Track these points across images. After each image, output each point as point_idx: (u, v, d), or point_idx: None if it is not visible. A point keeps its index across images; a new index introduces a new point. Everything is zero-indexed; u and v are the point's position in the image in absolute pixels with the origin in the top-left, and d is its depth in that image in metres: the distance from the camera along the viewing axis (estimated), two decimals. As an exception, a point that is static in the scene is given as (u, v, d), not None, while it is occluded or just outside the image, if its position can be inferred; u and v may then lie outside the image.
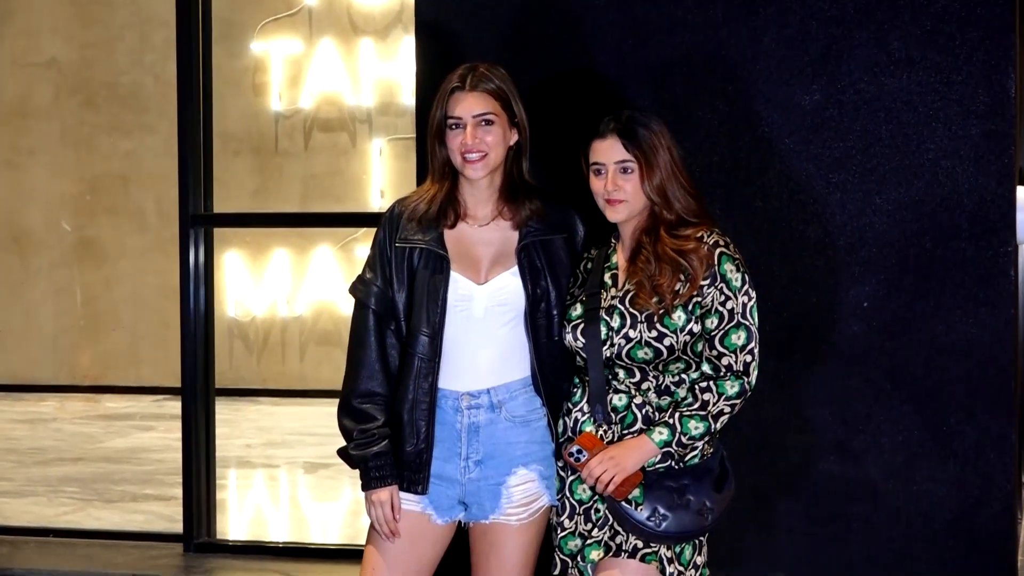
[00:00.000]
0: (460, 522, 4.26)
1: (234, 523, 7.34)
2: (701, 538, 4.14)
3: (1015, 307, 5.14)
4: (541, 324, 4.18)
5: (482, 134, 4.13)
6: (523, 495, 4.20)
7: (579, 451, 4.02)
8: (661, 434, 4.00)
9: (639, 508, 4.03)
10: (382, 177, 11.98)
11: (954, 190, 5.03)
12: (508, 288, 4.17)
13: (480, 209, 4.23)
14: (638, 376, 4.06)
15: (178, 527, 6.25)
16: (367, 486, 4.17)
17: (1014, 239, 5.06)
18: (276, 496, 8.37)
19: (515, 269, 4.18)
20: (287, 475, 8.74)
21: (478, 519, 4.23)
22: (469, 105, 4.14)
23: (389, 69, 11.87)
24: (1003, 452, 5.09)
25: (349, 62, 12.14)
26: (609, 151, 4.09)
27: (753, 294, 4.05)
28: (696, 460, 4.09)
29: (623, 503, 4.03)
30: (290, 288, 12.21)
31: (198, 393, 6.20)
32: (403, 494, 4.18)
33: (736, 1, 5.14)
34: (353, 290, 4.28)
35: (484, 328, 4.17)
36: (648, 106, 5.09)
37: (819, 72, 5.10)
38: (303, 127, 12.41)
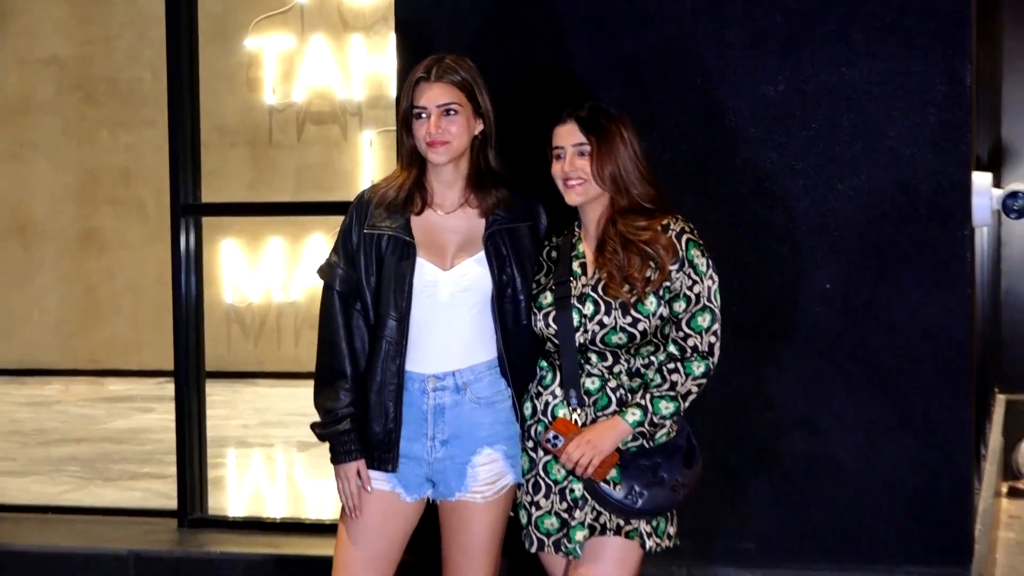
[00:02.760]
0: (429, 499, 4.26)
1: (231, 499, 7.35)
2: (671, 511, 4.16)
3: (971, 288, 5.15)
4: (508, 309, 4.17)
5: (445, 123, 4.12)
6: (488, 474, 4.20)
7: (555, 436, 4.02)
8: (634, 415, 4.01)
9: (617, 488, 4.03)
10: (372, 167, 11.97)
11: (913, 176, 5.02)
12: (472, 274, 4.16)
13: (447, 196, 4.22)
14: (610, 360, 4.06)
15: (174, 504, 6.24)
16: (334, 460, 4.18)
17: (970, 223, 5.06)
18: (272, 474, 8.37)
19: (481, 256, 4.17)
20: (282, 454, 8.75)
21: (445, 497, 4.22)
22: (434, 95, 4.13)
23: (378, 64, 11.86)
24: (961, 428, 5.10)
25: (340, 57, 12.13)
26: (568, 135, 4.10)
27: (716, 278, 4.06)
28: (664, 438, 4.09)
29: (602, 484, 4.03)
30: (284, 275, 12.21)
31: (190, 375, 6.17)
32: (373, 472, 4.17)
33: (703, -4, 5.14)
34: (320, 272, 4.28)
35: (450, 313, 4.16)
36: (619, 98, 5.08)
37: (783, 64, 5.09)
38: (296, 120, 12.40)
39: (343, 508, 4.24)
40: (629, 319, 4.00)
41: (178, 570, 5.77)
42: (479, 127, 4.20)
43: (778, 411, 5.16)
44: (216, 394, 9.23)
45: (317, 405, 4.21)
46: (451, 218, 4.21)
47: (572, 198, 4.10)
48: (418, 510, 4.27)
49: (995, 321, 10.06)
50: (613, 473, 4.03)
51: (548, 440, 4.03)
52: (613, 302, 4.01)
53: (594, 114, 4.09)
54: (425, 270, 4.14)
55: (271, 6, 12.25)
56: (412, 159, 4.20)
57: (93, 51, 12.79)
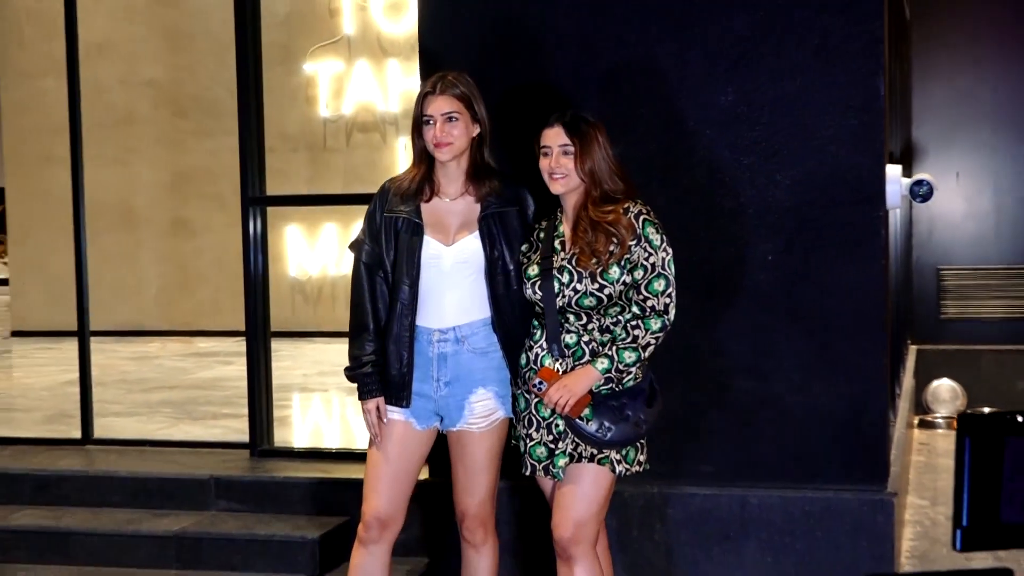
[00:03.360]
0: (439, 430, 4.29)
1: (294, 434, 7.33)
2: (641, 441, 4.12)
3: (885, 258, 5.10)
4: (499, 279, 4.17)
5: (448, 128, 4.15)
6: (483, 409, 4.22)
7: (540, 382, 4.02)
8: (603, 363, 3.98)
9: (589, 423, 4.01)
10: (405, 166, 11.90)
11: (838, 168, 4.98)
12: (469, 248, 4.18)
13: (450, 187, 4.24)
14: (584, 319, 4.04)
15: (247, 438, 6.23)
16: (360, 397, 4.23)
17: (884, 206, 5.01)
18: (327, 413, 8.34)
19: (477, 234, 4.19)
20: (336, 397, 8.71)
21: (449, 427, 4.27)
22: (438, 105, 4.16)
23: (410, 83, 11.80)
24: (878, 370, 5.07)
25: (380, 78, 12.08)
26: (555, 137, 4.09)
27: (670, 250, 4.04)
28: (631, 383, 4.06)
29: (577, 420, 4.02)
30: (337, 253, 12.17)
31: (258, 334, 6.14)
32: (391, 408, 4.21)
33: (667, 23, 5.08)
34: (351, 247, 4.33)
35: (451, 280, 4.18)
36: (598, 107, 5.04)
37: (732, 77, 5.04)
38: (345, 129, 12.35)
39: (370, 438, 4.28)
40: (597, 285, 3.98)
41: (249, 491, 5.75)
42: (476, 130, 4.22)
43: (730, 358, 5.12)
44: (282, 349, 9.22)
45: (349, 354, 4.25)
46: (454, 204, 4.23)
47: (556, 188, 4.10)
48: (429, 438, 4.29)
49: (907, 285, 10.01)
50: (587, 411, 4.00)
51: (535, 385, 4.01)
52: (584, 271, 4.00)
53: (576, 120, 4.09)
54: (431, 245, 4.18)
55: (324, 37, 12.20)
56: (422, 158, 4.23)
57: (182, 74, 12.75)
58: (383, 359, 4.19)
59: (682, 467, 5.19)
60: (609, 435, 4.00)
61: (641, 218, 4.02)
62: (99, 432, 6.70)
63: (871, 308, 5.02)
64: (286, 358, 10.01)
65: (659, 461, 4.92)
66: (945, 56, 10.16)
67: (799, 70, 4.99)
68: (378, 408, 4.20)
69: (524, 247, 4.20)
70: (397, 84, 12.01)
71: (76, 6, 6.79)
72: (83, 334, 6.69)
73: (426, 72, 5.40)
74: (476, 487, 4.26)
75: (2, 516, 5.78)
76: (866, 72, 4.95)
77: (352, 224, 12.05)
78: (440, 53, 5.35)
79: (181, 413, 7.76)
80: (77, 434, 6.65)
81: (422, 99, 4.19)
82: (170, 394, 8.65)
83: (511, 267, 4.17)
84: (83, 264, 6.77)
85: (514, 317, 4.18)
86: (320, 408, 8.47)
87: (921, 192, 5.54)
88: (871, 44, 4.95)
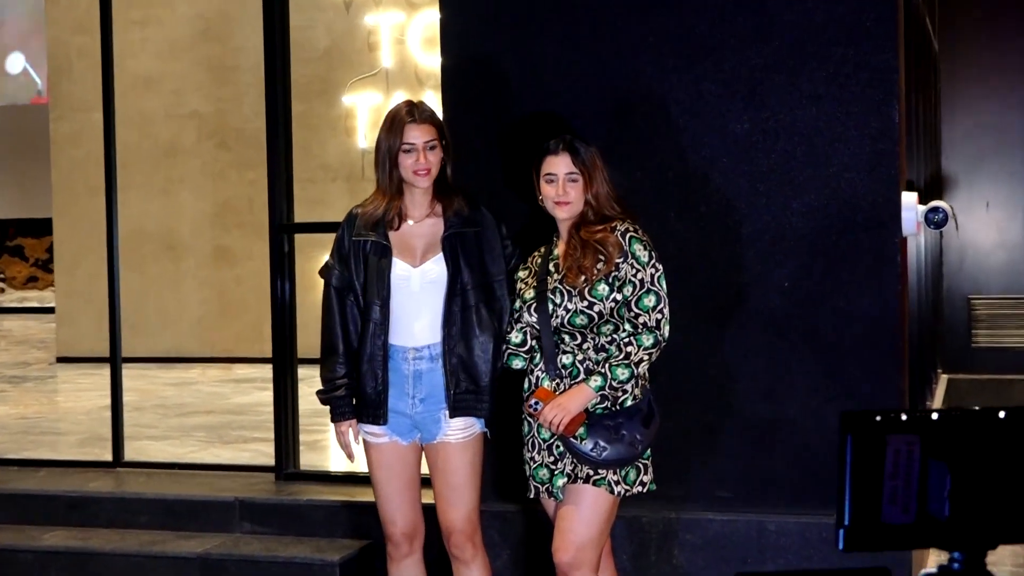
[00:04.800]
0: (419, 443, 4.32)
1: (322, 458, 7.33)
2: (644, 462, 4.08)
3: (902, 284, 5.06)
4: (456, 299, 4.20)
5: (430, 155, 4.14)
6: (459, 422, 4.25)
7: (536, 403, 4.02)
8: (596, 381, 3.97)
9: (583, 442, 3.99)
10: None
11: (853, 195, 4.95)
12: (436, 269, 4.23)
13: (417, 210, 4.30)
14: (579, 339, 4.03)
15: (273, 461, 6.24)
16: (333, 419, 4.30)
17: (900, 233, 4.98)
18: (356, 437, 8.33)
19: (440, 256, 4.22)
20: (367, 422, 8.72)
21: (428, 441, 4.30)
22: (419, 133, 4.19)
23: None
24: (895, 396, 5.03)
25: (417, 110, 12.11)
26: (561, 164, 4.09)
27: (660, 267, 4.04)
28: (629, 402, 4.03)
29: (572, 439, 3.99)
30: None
31: (285, 360, 6.17)
32: (371, 428, 4.27)
33: (683, 54, 5.08)
34: (320, 272, 4.40)
35: (421, 300, 4.23)
36: (616, 135, 5.07)
37: (748, 106, 5.03)
38: (383, 160, 12.40)
39: (367, 461, 4.35)
40: (586, 303, 3.97)
41: (273, 513, 5.76)
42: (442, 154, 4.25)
43: (747, 382, 5.08)
44: (314, 375, 9.21)
45: (321, 376, 4.32)
46: (419, 227, 4.28)
47: (561, 214, 4.12)
48: (416, 452, 4.34)
49: (937, 314, 9.92)
50: (581, 430, 3.98)
51: (531, 406, 4.00)
52: (573, 290, 3.99)
53: (579, 147, 4.09)
54: (399, 267, 4.21)
55: (363, 70, 12.27)
56: (396, 186, 4.20)
57: (225, 107, 12.85)
58: (356, 380, 4.22)
59: (697, 491, 5.15)
60: (604, 454, 3.98)
61: (628, 235, 4.02)
62: (131, 455, 6.73)
63: (887, 334, 4.98)
64: (318, 383, 10.00)
65: (672, 484, 4.90)
66: (974, 86, 10.11)
67: (814, 99, 4.97)
68: (351, 429, 4.27)
69: (522, 272, 4.21)
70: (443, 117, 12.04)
71: (112, 41, 6.85)
72: (115, 360, 6.74)
73: (450, 101, 5.43)
74: (460, 501, 4.26)
75: (33, 536, 5.82)
76: (880, 100, 4.92)
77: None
78: (462, 83, 5.37)
79: (213, 437, 7.80)
80: (109, 456, 6.69)
81: (401, 127, 4.19)
82: (205, 419, 8.69)
83: (469, 286, 4.20)
84: (115, 292, 6.82)
85: (468, 336, 4.18)
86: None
87: (936, 219, 5.48)
88: (885, 73, 4.93)
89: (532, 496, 4.19)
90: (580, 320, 3.98)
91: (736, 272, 5.06)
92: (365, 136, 12.32)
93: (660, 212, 5.06)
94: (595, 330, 4.00)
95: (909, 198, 5.07)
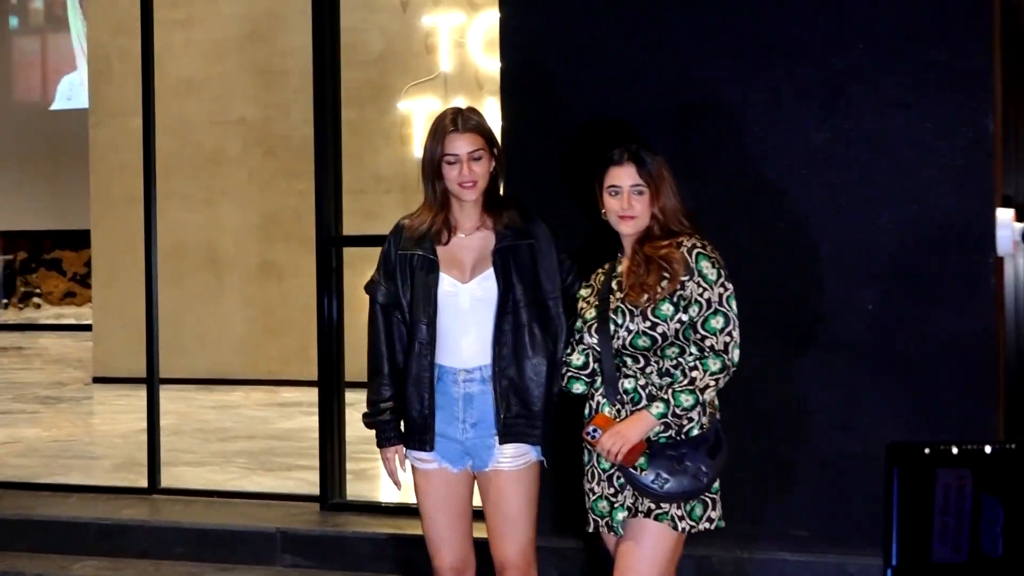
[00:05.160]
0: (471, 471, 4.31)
1: (371, 487, 7.33)
2: (712, 496, 4.03)
3: (994, 310, 4.98)
4: (507, 317, 4.19)
5: (475, 167, 4.14)
6: (513, 449, 4.22)
7: (595, 430, 3.98)
8: (658, 408, 3.93)
9: (644, 473, 3.96)
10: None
11: (943, 212, 4.90)
12: (487, 285, 4.20)
13: (467, 223, 4.27)
14: (642, 362, 3.99)
15: (318, 490, 6.25)
16: (379, 444, 4.30)
17: (994, 253, 4.91)
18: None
19: (491, 271, 4.20)
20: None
21: (480, 468, 4.28)
22: (463, 143, 4.17)
23: (508, 122, 11.86)
24: (988, 430, 4.94)
25: (476, 117, 12.13)
26: (626, 176, 4.06)
27: (730, 286, 3.98)
28: (695, 432, 4.00)
29: (631, 469, 3.96)
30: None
31: (332, 383, 6.19)
32: (420, 454, 4.25)
33: (758, 57, 5.05)
34: (366, 288, 4.36)
35: (471, 317, 4.21)
36: (682, 145, 5.07)
37: (828, 114, 4.99)
38: (440, 170, 12.42)
39: (415, 489, 4.34)
40: (648, 323, 3.93)
41: (317, 545, 5.77)
42: (493, 164, 4.23)
43: (825, 414, 5.04)
44: (362, 399, 9.22)
45: (367, 399, 4.31)
46: (469, 239, 4.25)
47: (626, 229, 4.08)
48: (468, 479, 4.32)
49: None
50: (642, 460, 3.95)
51: (588, 433, 3.98)
52: (635, 309, 3.95)
53: (644, 156, 4.06)
54: (446, 282, 4.19)
55: (421, 74, 12.31)
56: (443, 199, 4.19)
57: (273, 113, 12.94)
58: (402, 403, 4.21)
59: (771, 529, 5.10)
60: (666, 486, 3.94)
61: (695, 252, 3.97)
62: (168, 481, 6.77)
63: (980, 364, 4.91)
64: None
65: (744, 521, 4.85)
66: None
67: (900, 106, 4.93)
68: (398, 456, 4.27)
69: (584, 291, 4.19)
70: (495, 122, 12.04)
71: (153, 43, 6.92)
72: (152, 381, 6.80)
73: (509, 108, 5.44)
74: (515, 533, 4.24)
75: (63, 566, 5.87)
76: (973, 108, 4.87)
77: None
78: (522, 89, 5.38)
79: (255, 464, 7.82)
80: (144, 483, 6.73)
81: (443, 137, 4.18)
82: (247, 444, 8.73)
83: (521, 304, 4.18)
84: (153, 309, 6.87)
85: (519, 357, 4.16)
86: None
87: (1034, 238, 5.40)
88: (978, 77, 4.87)
89: (591, 530, 4.16)
90: (643, 342, 3.95)
91: (814, 294, 5.02)
92: (421, 145, 12.34)
93: (731, 228, 5.02)
94: (659, 353, 3.97)
95: (1005, 215, 4.99)
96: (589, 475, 4.13)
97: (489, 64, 12.05)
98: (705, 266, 3.97)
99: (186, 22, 12.92)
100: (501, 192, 4.32)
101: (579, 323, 4.12)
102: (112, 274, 13.30)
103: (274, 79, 12.94)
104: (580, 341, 4.11)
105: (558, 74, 5.31)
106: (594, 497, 4.11)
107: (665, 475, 3.94)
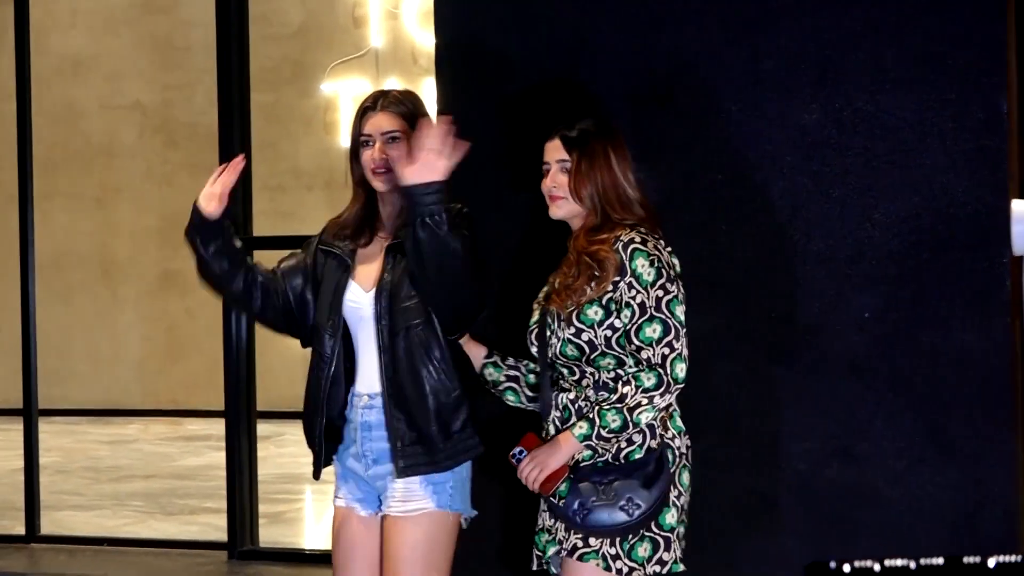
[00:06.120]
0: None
1: (289, 533, 7.34)
2: (663, 535, 4.00)
3: (1011, 317, 5.03)
4: (383, 324, 4.14)
5: (389, 150, 4.12)
6: (402, 491, 4.11)
7: (520, 452, 4.01)
8: (581, 428, 3.93)
9: (562, 502, 3.97)
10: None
11: (950, 203, 4.93)
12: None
13: (389, 221, 4.23)
14: (577, 374, 4.02)
15: (226, 536, 6.26)
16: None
17: (1009, 250, 4.95)
18: (322, 509, 8.35)
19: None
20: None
21: (381, 512, 4.20)
22: (378, 123, 4.19)
23: (451, 106, 11.88)
24: (1004, 458, 4.98)
25: (414, 100, 12.15)
26: (553, 151, 4.13)
27: (674, 289, 3.95)
28: (637, 455, 3.98)
29: (551, 498, 3.99)
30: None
31: (240, 414, 6.19)
32: (338, 496, 4.23)
33: (737, 25, 5.08)
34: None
35: (373, 332, 4.15)
36: (654, 125, 5.07)
37: (818, 91, 5.02)
38: (371, 162, 12.43)
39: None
40: (573, 330, 3.96)
41: (223, 601, 5.78)
42: None
43: (816, 440, 5.06)
44: (290, 432, 9.22)
45: None
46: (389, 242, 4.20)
47: (553, 212, 4.12)
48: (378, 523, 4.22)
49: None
50: (562, 487, 3.96)
51: (513, 456, 4.00)
52: (561, 314, 3.97)
53: (583, 132, 4.07)
54: (352, 291, 4.17)
55: (347, 51, 12.33)
56: (366, 190, 4.20)
57: (174, 96, 12.93)
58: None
59: (755, 573, 5.13)
60: (589, 518, 3.94)
61: (631, 247, 3.95)
62: (49, 528, 6.76)
63: (994, 379, 4.95)
64: (293, 443, 10.02)
65: (717, 565, 4.88)
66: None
67: (901, 83, 4.96)
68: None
69: (541, 293, 4.20)
70: (434, 107, 12.08)
71: (28, 12, 6.91)
72: (29, 412, 6.79)
73: (443, 88, 5.46)
74: None
75: (-77, 630, 5.83)
76: (986, 85, 4.90)
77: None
78: (460, 64, 5.39)
79: (154, 507, 7.82)
80: (21, 530, 6.70)
81: (360, 116, 4.22)
82: (145, 484, 8.72)
83: (411, 305, 4.09)
84: (31, 328, 6.85)
85: (413, 370, 4.07)
86: (320, 503, 8.47)
87: (1057, 234, 5.46)
88: (992, 50, 4.91)
89: (534, 567, 4.17)
90: (571, 351, 3.97)
91: (804, 300, 5.05)
92: (349, 133, 12.37)
93: (707, 224, 5.05)
94: (592, 363, 3.98)
95: (1022, 207, 5.05)
96: (542, 502, 4.16)
97: (429, 39, 12.09)
98: (640, 264, 3.94)
99: (71, -12, 12.88)
100: None
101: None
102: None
103: (175, 56, 12.93)
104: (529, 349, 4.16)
105: (502, 46, 5.32)
106: (537, 529, 4.14)
107: (588, 505, 3.94)
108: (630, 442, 3.98)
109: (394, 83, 12.13)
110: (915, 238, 4.97)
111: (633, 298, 3.92)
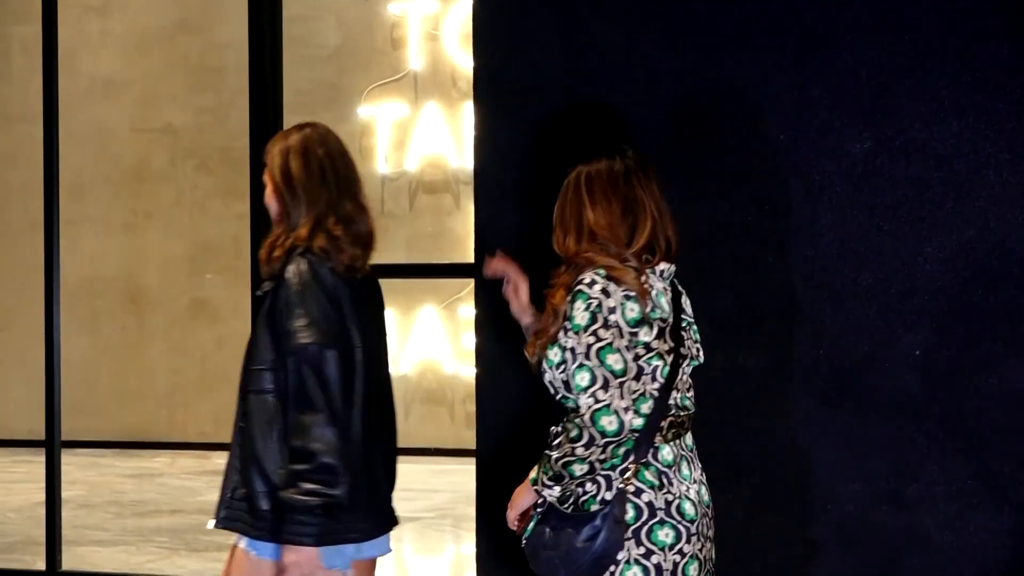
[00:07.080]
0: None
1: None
2: None
3: (1070, 356, 5.02)
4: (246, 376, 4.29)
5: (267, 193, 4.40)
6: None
7: None
8: (533, 472, 3.96)
9: (525, 543, 4.01)
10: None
11: (1006, 237, 4.92)
12: None
13: None
14: (559, 410, 4.05)
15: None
16: None
17: (1067, 286, 4.94)
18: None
19: None
20: (410, 529, 8.71)
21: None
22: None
23: (492, 131, 11.90)
24: (1060, 507, 4.97)
25: (453, 125, 12.19)
26: None
27: (607, 336, 3.84)
28: (594, 506, 3.91)
29: (521, 536, 4.04)
30: (395, 347, 12.22)
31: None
32: None
33: (785, 53, 5.08)
34: None
35: None
36: (696, 156, 5.07)
37: (869, 120, 5.02)
38: (408, 189, 12.47)
39: None
40: (543, 369, 3.97)
41: (249, 642, 5.76)
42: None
43: (865, 483, 5.04)
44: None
45: None
46: None
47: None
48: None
49: None
50: (528, 528, 4.02)
51: None
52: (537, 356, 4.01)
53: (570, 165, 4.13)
54: None
55: (385, 74, 12.37)
56: None
57: (207, 120, 12.97)
58: None
59: (799, 624, 5.12)
60: (535, 564, 3.97)
61: (577, 288, 3.90)
62: (71, 564, 6.78)
63: (1052, 422, 4.94)
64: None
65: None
66: None
67: (956, 110, 4.96)
68: None
69: None
70: (474, 132, 12.11)
71: (56, 33, 6.95)
72: (52, 444, 6.80)
73: (481, 112, 5.48)
74: None
75: (-61, 668, 5.86)
76: (1042, 113, 4.91)
77: (415, 310, 12.07)
78: (500, 88, 5.41)
79: (179, 543, 7.83)
80: (42, 565, 6.72)
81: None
82: (170, 520, 8.73)
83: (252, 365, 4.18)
84: (55, 358, 6.88)
85: (248, 431, 4.16)
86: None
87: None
88: (1048, 77, 4.91)
89: None
90: (551, 394, 4.02)
91: (851, 337, 5.03)
92: (386, 159, 12.41)
93: (751, 257, 5.05)
94: (560, 404, 4.01)
95: (1080, 242, 5.04)
96: None
97: (468, 62, 12.12)
98: (576, 307, 3.87)
99: (103, 8, 12.94)
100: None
101: None
102: (7, 316, 13.26)
103: (208, 78, 12.96)
104: None
105: (540, 72, 5.33)
106: None
107: (538, 550, 3.95)
108: (585, 491, 3.92)
109: (435, 108, 12.15)
110: (969, 273, 4.95)
111: (566, 344, 3.89)
